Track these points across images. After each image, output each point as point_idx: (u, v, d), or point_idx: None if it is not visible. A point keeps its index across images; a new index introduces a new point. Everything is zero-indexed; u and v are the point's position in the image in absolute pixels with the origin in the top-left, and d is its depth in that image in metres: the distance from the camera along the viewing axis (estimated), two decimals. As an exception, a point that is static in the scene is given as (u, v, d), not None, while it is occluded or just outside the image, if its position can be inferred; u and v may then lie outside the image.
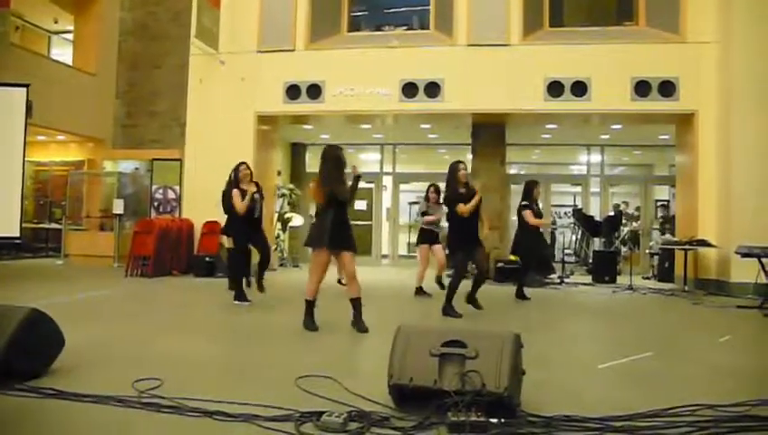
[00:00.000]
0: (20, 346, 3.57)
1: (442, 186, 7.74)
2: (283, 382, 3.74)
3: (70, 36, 16.01)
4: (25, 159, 10.30)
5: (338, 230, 5.75)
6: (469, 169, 13.28)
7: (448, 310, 6.94)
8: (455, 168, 7.25)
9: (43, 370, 3.76)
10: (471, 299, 7.33)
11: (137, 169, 14.01)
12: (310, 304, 5.91)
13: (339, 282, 8.78)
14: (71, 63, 14.92)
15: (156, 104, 14.65)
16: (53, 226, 15.01)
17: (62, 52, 16.27)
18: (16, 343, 3.55)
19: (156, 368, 3.93)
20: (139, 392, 3.39)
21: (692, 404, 3.24)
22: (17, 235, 10.30)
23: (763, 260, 8.29)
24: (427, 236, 9.16)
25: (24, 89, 9.91)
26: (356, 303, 5.89)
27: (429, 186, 9.48)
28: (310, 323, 5.82)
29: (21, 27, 15.47)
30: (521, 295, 8.80)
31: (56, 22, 16.12)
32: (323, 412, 2.99)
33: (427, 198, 9.32)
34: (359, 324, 5.81)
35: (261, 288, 7.73)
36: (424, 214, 9.30)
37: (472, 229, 7.17)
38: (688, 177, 11.11)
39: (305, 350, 5.05)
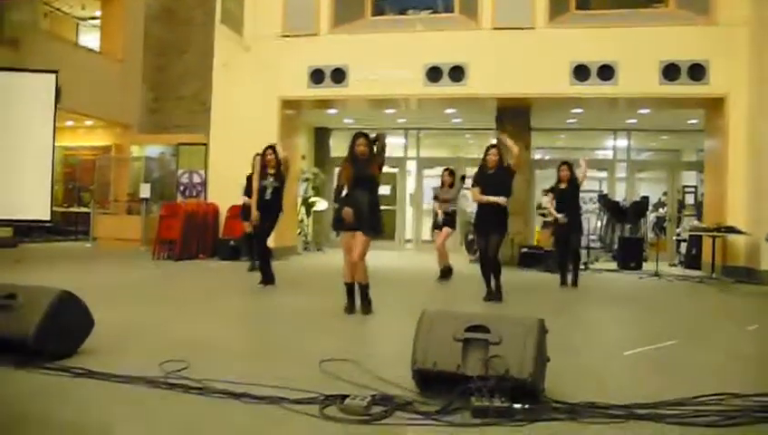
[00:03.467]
0: (51, 327, 3.66)
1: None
2: (307, 365, 3.77)
3: (97, 22, 16.18)
4: (55, 144, 10.47)
5: (357, 211, 5.66)
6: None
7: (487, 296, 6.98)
8: (485, 151, 7.20)
9: (73, 350, 3.84)
10: (496, 289, 7.09)
11: (163, 153, 14.18)
12: (347, 287, 5.88)
13: None
14: (98, 49, 15.10)
15: (181, 89, 14.77)
16: (82, 209, 15.30)
17: (90, 38, 16.46)
18: (47, 324, 3.64)
19: (182, 350, 3.99)
20: (167, 374, 3.45)
21: (719, 393, 3.19)
22: (48, 218, 10.52)
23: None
24: (438, 220, 9.13)
25: (54, 75, 10.07)
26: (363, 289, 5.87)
27: (444, 169, 9.41)
28: (348, 306, 5.83)
29: (49, 14, 15.66)
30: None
31: (83, 8, 16.29)
32: (347, 396, 3.01)
33: (442, 183, 9.22)
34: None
35: (265, 279, 7.58)
36: (435, 198, 9.28)
37: (487, 215, 7.06)
38: (717, 162, 10.90)
39: (329, 333, 5.08)
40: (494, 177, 7.02)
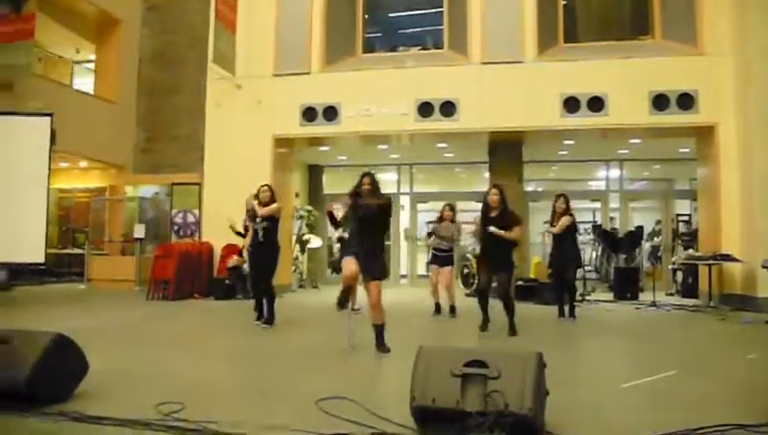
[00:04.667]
0: (45, 371, 3.61)
1: (462, 205, 7.70)
2: (305, 405, 3.72)
3: (91, 65, 16.36)
4: (49, 186, 10.49)
5: (365, 256, 5.68)
6: (486, 188, 13.36)
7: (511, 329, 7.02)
8: (486, 192, 7.38)
9: (68, 394, 3.79)
10: (509, 326, 7.08)
11: (157, 193, 14.19)
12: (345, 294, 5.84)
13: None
14: (92, 92, 15.23)
15: (175, 129, 14.86)
16: (76, 251, 15.22)
17: (84, 80, 16.61)
18: (41, 368, 3.59)
19: (178, 391, 3.94)
20: (163, 416, 3.40)
21: (721, 424, 3.17)
22: (42, 260, 10.49)
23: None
24: (435, 257, 9.08)
25: (48, 118, 10.14)
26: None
27: (445, 204, 9.34)
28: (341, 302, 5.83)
29: (43, 58, 15.83)
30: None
31: (78, 51, 16.48)
32: (345, 435, 2.97)
33: (440, 217, 9.13)
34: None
35: (267, 320, 7.53)
36: (430, 234, 9.21)
37: (493, 253, 7.12)
38: (710, 190, 10.98)
39: (326, 372, 5.03)
40: (498, 219, 7.09)
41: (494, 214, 7.16)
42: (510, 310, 7.07)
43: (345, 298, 5.83)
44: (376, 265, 5.72)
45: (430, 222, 9.42)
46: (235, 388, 4.47)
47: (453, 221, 9.03)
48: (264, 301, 7.57)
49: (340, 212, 6.14)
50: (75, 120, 12.70)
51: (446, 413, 3.09)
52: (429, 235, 9.23)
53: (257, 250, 7.54)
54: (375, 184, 5.78)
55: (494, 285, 7.25)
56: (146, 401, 3.67)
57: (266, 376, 4.88)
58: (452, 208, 9.14)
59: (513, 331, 6.99)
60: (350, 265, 5.67)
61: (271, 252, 7.55)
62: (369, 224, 5.72)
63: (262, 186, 7.83)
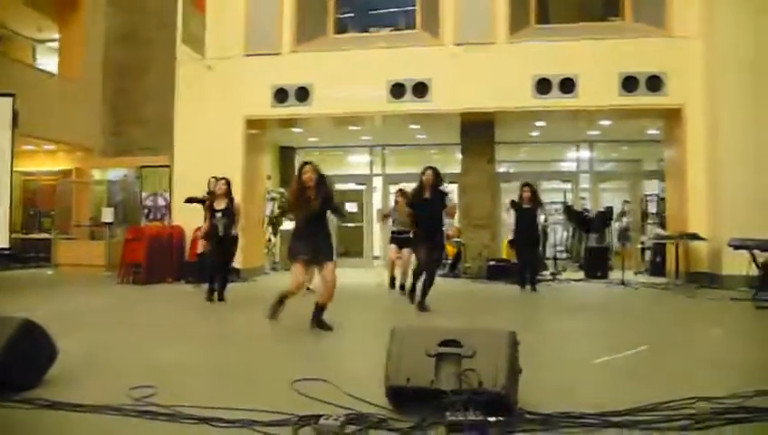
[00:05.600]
0: (12, 358, 3.53)
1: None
2: (279, 387, 3.72)
3: (55, 45, 15.90)
4: (13, 169, 10.22)
5: (316, 246, 5.80)
6: (458, 170, 13.42)
7: (421, 305, 7.20)
8: (421, 173, 7.51)
9: (37, 381, 3.72)
10: (420, 300, 7.29)
11: (126, 176, 13.94)
12: (284, 299, 5.93)
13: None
14: (56, 72, 14.82)
15: (143, 111, 14.56)
16: (43, 236, 14.90)
17: (48, 60, 16.16)
18: (9, 355, 3.51)
19: (150, 376, 3.90)
20: (134, 400, 3.36)
21: (689, 397, 3.25)
22: (6, 246, 10.23)
23: (754, 252, 8.34)
24: (394, 239, 9.57)
25: (10, 98, 9.84)
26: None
27: (396, 190, 9.88)
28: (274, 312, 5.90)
29: (4, 36, 15.35)
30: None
31: (40, 30, 15.99)
32: (321, 416, 2.97)
33: (395, 202, 9.65)
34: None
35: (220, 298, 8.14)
36: (386, 216, 9.88)
37: (426, 231, 7.33)
38: (677, 171, 11.16)
39: (300, 353, 5.02)
40: (431, 200, 7.30)
41: (427, 195, 7.33)
42: (428, 286, 7.27)
43: (279, 306, 5.91)
44: (328, 248, 5.86)
45: (401, 190, 9.67)
46: (208, 371, 4.44)
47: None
48: (218, 284, 8.13)
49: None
50: (39, 101, 12.36)
51: (420, 393, 3.12)
52: (385, 217, 9.82)
53: (217, 243, 8.01)
54: (319, 175, 5.83)
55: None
56: (118, 386, 3.62)
57: (240, 359, 4.85)
58: (404, 194, 9.28)
59: (422, 306, 7.16)
60: (299, 274, 5.85)
61: (230, 245, 8.15)
62: (316, 215, 5.82)
63: (219, 179, 8.20)
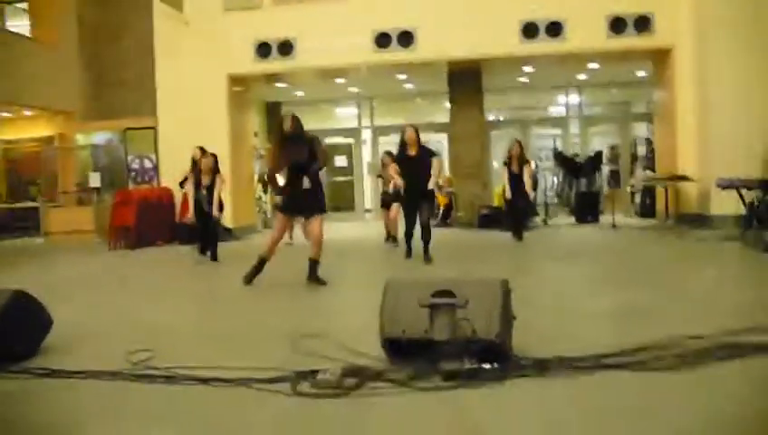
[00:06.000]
0: (7, 329, 3.52)
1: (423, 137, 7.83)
2: (275, 343, 3.74)
3: (24, 5, 15.37)
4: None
5: (305, 199, 5.83)
6: (447, 119, 13.32)
7: (426, 257, 7.24)
8: (401, 131, 7.60)
9: (34, 350, 3.72)
10: (425, 252, 7.33)
11: (110, 140, 13.74)
12: (262, 262, 6.00)
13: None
14: (29, 35, 14.40)
15: (124, 72, 14.23)
16: (30, 204, 14.75)
17: (19, 23, 15.66)
18: (3, 326, 3.50)
19: (146, 339, 3.92)
20: (132, 364, 3.37)
21: (679, 336, 3.30)
22: (-7, 216, 10.14)
23: (742, 191, 8.38)
24: (384, 199, 9.59)
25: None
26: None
27: (383, 152, 9.96)
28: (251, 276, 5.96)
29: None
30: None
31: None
32: (317, 371, 2.99)
33: (382, 164, 9.61)
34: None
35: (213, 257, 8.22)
36: (379, 176, 9.84)
37: (413, 187, 7.30)
38: (667, 113, 11.13)
39: (293, 309, 5.06)
40: (417, 158, 7.33)
41: (412, 152, 7.40)
42: (427, 239, 7.32)
43: (257, 272, 5.96)
44: (315, 201, 5.87)
45: (388, 153, 9.60)
46: (202, 331, 4.46)
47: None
48: (209, 244, 8.20)
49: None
50: (13, 66, 12.06)
51: (415, 343, 3.14)
52: (378, 176, 9.96)
53: (201, 218, 8.04)
54: (299, 125, 5.79)
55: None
56: (115, 351, 3.63)
57: (235, 317, 4.88)
58: (390, 154, 9.27)
59: (427, 257, 7.23)
60: (279, 228, 6.01)
61: (214, 222, 8.16)
62: (300, 166, 5.77)
63: (204, 153, 8.33)
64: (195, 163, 8.58)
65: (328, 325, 4.14)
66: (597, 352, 3.15)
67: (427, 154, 7.48)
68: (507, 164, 9.41)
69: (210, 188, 8.00)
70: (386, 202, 9.54)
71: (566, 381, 2.87)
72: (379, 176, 9.90)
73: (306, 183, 5.76)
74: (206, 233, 8.20)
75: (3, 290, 3.77)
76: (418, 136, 7.47)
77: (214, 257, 8.16)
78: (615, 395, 2.72)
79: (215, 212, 8.03)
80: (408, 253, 7.57)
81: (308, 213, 5.85)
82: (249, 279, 5.93)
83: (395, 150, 8.05)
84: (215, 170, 8.10)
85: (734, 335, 3.33)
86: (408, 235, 7.57)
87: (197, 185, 8.05)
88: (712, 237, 8.54)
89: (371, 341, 3.34)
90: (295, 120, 5.80)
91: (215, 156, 8.27)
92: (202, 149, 8.70)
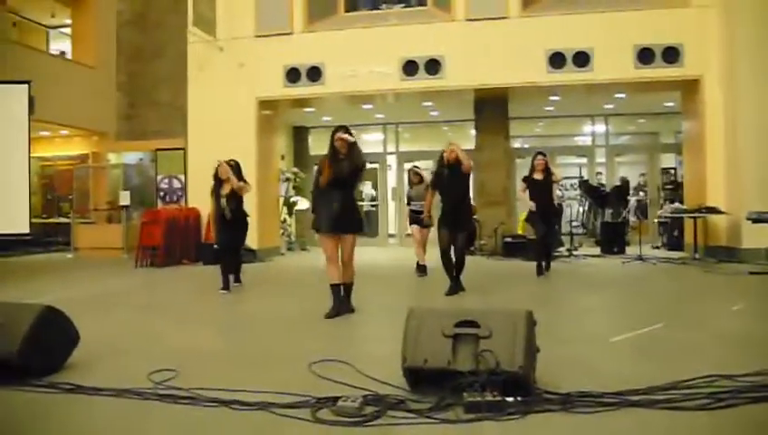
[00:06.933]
0: (35, 344, 3.59)
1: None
2: (297, 369, 3.74)
3: (68, 30, 15.92)
4: (30, 155, 10.33)
5: (338, 212, 5.56)
6: (473, 145, 13.33)
7: (456, 286, 6.94)
8: (443, 150, 7.17)
9: (59, 365, 3.78)
10: (455, 282, 6.98)
11: (141, 159, 14.02)
12: (334, 289, 5.74)
13: None
14: (70, 57, 14.87)
15: (157, 94, 14.59)
16: (62, 220, 15.07)
17: (62, 46, 16.20)
18: (31, 342, 3.57)
19: (170, 359, 3.95)
20: (155, 384, 3.40)
21: (709, 375, 3.22)
22: (27, 231, 10.37)
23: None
24: (413, 217, 9.28)
25: (26, 85, 9.92)
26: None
27: (409, 170, 9.62)
28: (333, 310, 5.66)
29: (18, 23, 15.38)
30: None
31: (53, 16, 16.02)
32: (339, 397, 2.99)
33: (409, 181, 9.44)
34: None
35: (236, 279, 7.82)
36: (409, 198, 9.50)
37: (449, 210, 6.97)
38: (696, 143, 11.00)
39: (316, 335, 5.05)
40: (452, 176, 6.97)
41: (539, 176, 7.63)
42: (459, 267, 6.98)
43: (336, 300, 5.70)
44: (348, 220, 5.64)
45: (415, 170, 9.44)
46: (227, 353, 4.48)
47: (421, 182, 9.16)
48: (233, 266, 7.72)
49: None
50: (54, 87, 12.43)
51: (438, 373, 3.12)
52: (408, 202, 9.50)
53: (225, 227, 7.51)
54: (352, 141, 5.65)
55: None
56: (138, 370, 3.67)
57: (258, 341, 4.90)
58: (417, 173, 9.30)
59: (458, 287, 6.92)
60: (326, 249, 5.71)
61: (239, 229, 7.61)
62: (340, 180, 5.58)
63: (227, 162, 7.58)
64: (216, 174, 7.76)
65: (351, 352, 4.14)
66: (622, 387, 3.10)
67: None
68: (527, 178, 8.68)
69: (229, 197, 7.38)
70: (415, 220, 9.13)
71: (591, 417, 2.82)
72: (409, 201, 9.40)
73: (339, 197, 5.56)
74: (228, 259, 7.61)
75: (33, 305, 3.86)
76: (456, 153, 6.96)
77: (237, 278, 7.82)
78: (641, 434, 2.67)
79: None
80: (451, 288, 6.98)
81: (342, 229, 5.63)
82: (335, 313, 5.63)
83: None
84: (237, 178, 7.45)
85: (766, 375, 3.24)
86: (447, 267, 7.03)
87: (218, 196, 7.46)
88: (742, 271, 8.37)
89: (393, 369, 3.33)
90: (348, 133, 5.68)
91: (232, 163, 7.61)
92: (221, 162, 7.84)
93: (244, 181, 7.60)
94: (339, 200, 5.55)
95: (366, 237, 15.25)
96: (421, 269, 8.99)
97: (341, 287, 5.74)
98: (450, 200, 7.00)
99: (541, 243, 8.71)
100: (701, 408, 2.85)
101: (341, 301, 5.73)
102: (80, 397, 3.27)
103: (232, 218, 7.44)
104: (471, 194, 8.79)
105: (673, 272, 9.07)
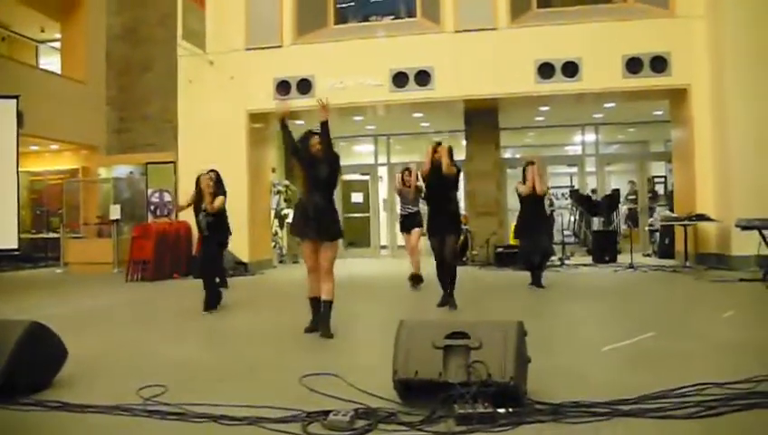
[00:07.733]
0: (22, 361, 3.54)
1: None
2: (287, 383, 3.72)
3: (57, 45, 15.90)
4: (19, 169, 10.27)
5: (314, 217, 5.29)
6: (464, 156, 13.35)
7: (450, 301, 6.68)
8: (433, 149, 6.89)
9: (48, 382, 3.74)
10: (448, 297, 6.71)
11: (131, 173, 13.96)
12: (311, 302, 5.55)
13: None
14: (59, 72, 14.84)
15: (147, 108, 14.57)
16: (51, 235, 14.97)
17: (51, 60, 16.18)
18: (18, 358, 3.52)
19: (159, 374, 3.92)
20: (144, 400, 3.37)
21: (699, 383, 3.23)
22: (15, 246, 10.29)
23: (764, 232, 8.28)
24: (403, 223, 8.97)
25: (14, 100, 9.87)
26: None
27: (402, 170, 9.06)
28: (312, 325, 5.44)
29: (7, 38, 15.36)
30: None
31: (43, 31, 16.01)
32: (330, 411, 2.97)
33: (402, 182, 8.88)
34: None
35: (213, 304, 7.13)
36: (400, 193, 9.05)
37: (438, 214, 6.75)
38: (685, 152, 11.08)
39: (307, 349, 5.02)
40: (444, 177, 6.73)
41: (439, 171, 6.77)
42: (452, 279, 6.68)
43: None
44: (324, 227, 5.31)
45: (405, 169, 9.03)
46: (216, 368, 4.44)
47: (409, 185, 8.79)
48: (210, 287, 7.10)
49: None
50: (43, 101, 12.39)
51: (429, 385, 3.11)
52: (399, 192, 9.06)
53: (204, 242, 7.23)
54: (325, 143, 5.52)
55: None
56: (127, 386, 3.63)
57: (248, 355, 4.86)
58: (409, 172, 8.88)
59: (451, 303, 6.60)
60: (307, 258, 5.43)
61: (216, 239, 7.22)
62: (318, 184, 5.38)
63: (207, 172, 7.30)
64: (197, 183, 7.32)
65: (341, 365, 4.11)
66: (613, 396, 3.09)
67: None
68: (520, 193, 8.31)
69: (215, 213, 7.02)
70: (403, 226, 8.90)
71: (582, 427, 2.81)
72: (400, 192, 8.98)
73: (318, 200, 5.32)
74: (210, 279, 7.10)
75: (19, 321, 3.80)
76: (450, 152, 6.77)
77: (222, 284, 7.49)
78: (632, 443, 2.67)
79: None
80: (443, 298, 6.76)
81: (320, 237, 5.29)
82: (314, 328, 5.40)
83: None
84: (216, 190, 7.10)
85: (757, 383, 3.24)
86: (441, 278, 6.81)
87: (197, 208, 7.07)
88: (733, 278, 8.41)
89: (384, 381, 3.31)
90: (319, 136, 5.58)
91: (216, 173, 7.36)
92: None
93: (224, 193, 7.29)
94: (315, 205, 5.32)
95: (358, 248, 15.26)
96: (415, 280, 8.56)
97: (320, 303, 5.38)
98: (434, 201, 6.84)
99: (526, 257, 8.48)
100: (692, 416, 2.85)
101: (319, 320, 5.37)
102: (67, 414, 3.23)
103: (209, 236, 7.13)
104: (462, 204, 8.54)
105: (664, 280, 9.10)
